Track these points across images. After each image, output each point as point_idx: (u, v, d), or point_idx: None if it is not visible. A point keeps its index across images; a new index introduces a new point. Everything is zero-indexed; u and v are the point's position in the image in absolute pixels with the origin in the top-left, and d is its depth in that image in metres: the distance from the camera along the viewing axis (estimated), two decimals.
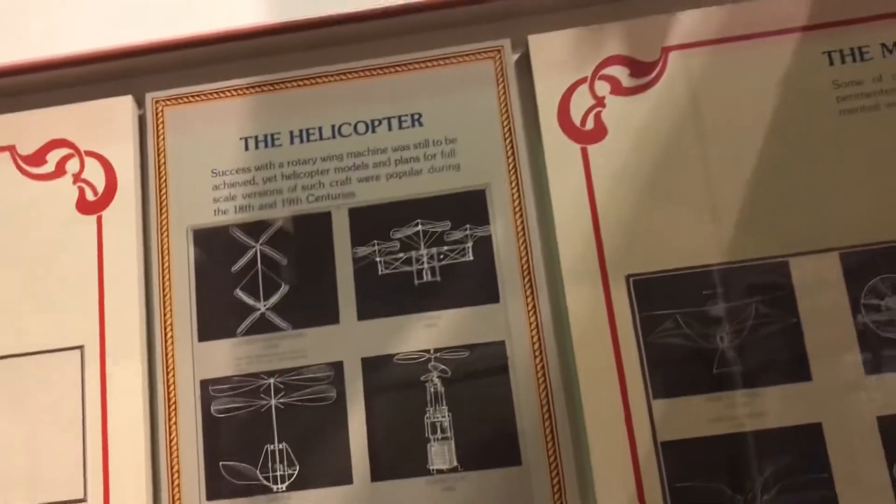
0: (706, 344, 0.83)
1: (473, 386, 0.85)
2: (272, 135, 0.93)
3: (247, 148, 0.93)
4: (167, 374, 0.87)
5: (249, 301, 0.89)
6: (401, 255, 0.89)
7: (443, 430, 0.84)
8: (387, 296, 0.88)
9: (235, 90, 0.94)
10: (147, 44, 0.92)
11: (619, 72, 0.90)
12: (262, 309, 0.89)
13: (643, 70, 0.90)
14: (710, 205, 0.86)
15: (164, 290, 0.89)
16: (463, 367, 0.85)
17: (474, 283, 0.87)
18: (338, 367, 0.86)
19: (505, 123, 0.91)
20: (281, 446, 0.85)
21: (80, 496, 0.84)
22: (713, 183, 0.86)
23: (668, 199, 0.86)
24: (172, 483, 0.85)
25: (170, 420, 0.86)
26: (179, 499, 0.85)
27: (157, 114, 0.94)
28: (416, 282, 0.88)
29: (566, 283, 0.85)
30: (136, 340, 0.87)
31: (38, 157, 0.93)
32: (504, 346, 0.85)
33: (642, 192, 0.87)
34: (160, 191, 0.92)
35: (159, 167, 0.93)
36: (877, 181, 0.85)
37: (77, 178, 0.92)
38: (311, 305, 0.88)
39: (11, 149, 0.94)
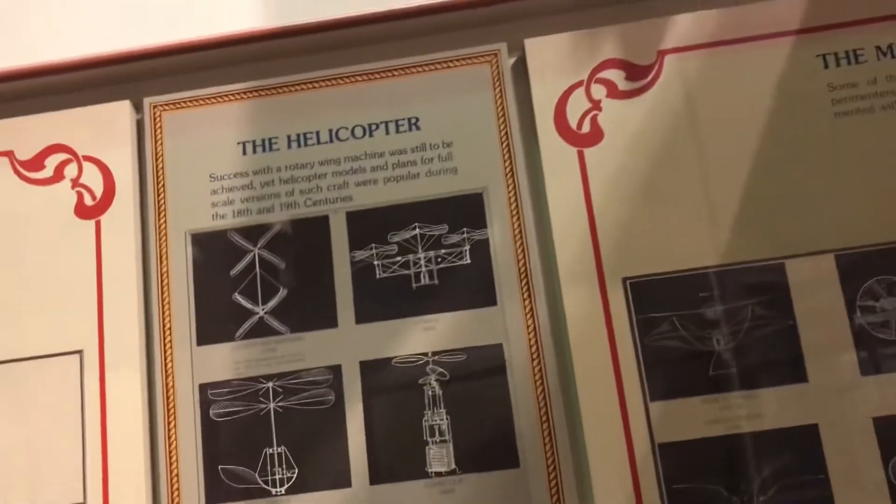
0: (703, 346, 0.83)
1: (471, 389, 0.85)
2: (270, 139, 0.93)
3: (245, 152, 0.93)
4: (166, 378, 0.87)
5: (248, 305, 0.89)
6: (398, 258, 0.89)
7: (441, 433, 0.84)
8: (385, 299, 0.88)
9: (233, 95, 0.94)
10: (145, 49, 0.93)
11: (616, 75, 0.90)
12: (261, 313, 0.89)
13: (639, 73, 0.90)
14: (707, 207, 0.86)
15: (162, 294, 0.89)
16: (461, 369, 0.86)
17: (472, 287, 0.87)
18: (336, 370, 0.87)
19: (502, 127, 0.91)
20: (280, 450, 0.85)
21: (80, 500, 0.84)
22: (709, 186, 0.87)
23: (665, 202, 0.87)
24: (172, 487, 0.85)
25: (169, 424, 0.86)
26: (179, 502, 0.85)
27: (155, 118, 0.94)
28: (414, 285, 0.88)
29: (563, 286, 0.85)
30: (134, 345, 0.87)
31: (36, 162, 0.94)
32: (502, 349, 0.86)
33: (639, 194, 0.87)
34: (158, 195, 0.92)
35: (157, 172, 0.93)
36: (872, 183, 0.86)
37: (75, 182, 0.92)
38: (310, 309, 0.88)
39: (10, 154, 0.94)
